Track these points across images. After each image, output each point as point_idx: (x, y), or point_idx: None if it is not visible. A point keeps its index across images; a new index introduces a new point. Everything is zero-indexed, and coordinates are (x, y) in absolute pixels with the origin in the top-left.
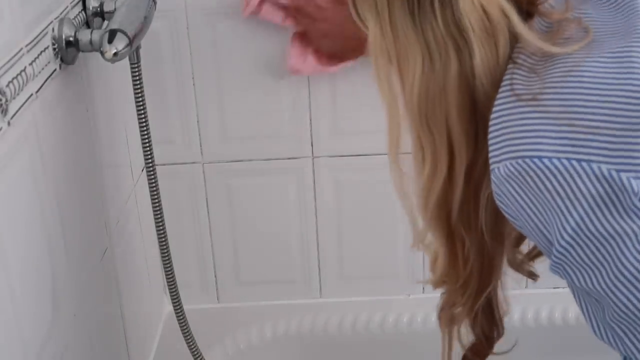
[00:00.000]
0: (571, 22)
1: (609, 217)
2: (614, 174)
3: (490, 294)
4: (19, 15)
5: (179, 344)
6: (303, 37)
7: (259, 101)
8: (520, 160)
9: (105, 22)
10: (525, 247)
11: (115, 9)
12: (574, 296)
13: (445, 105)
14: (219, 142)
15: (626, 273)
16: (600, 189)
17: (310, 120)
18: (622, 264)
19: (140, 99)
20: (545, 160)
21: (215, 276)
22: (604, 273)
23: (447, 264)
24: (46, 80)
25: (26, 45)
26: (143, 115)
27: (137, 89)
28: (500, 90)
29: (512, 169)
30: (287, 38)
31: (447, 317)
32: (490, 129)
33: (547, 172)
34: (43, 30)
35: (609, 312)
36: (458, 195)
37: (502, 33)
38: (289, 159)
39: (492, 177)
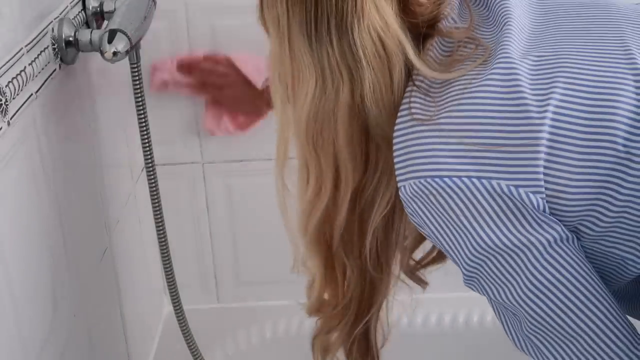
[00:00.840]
0: (471, 41)
1: (514, 230)
2: (513, 189)
3: (368, 323)
4: (19, 15)
5: (179, 344)
6: (216, 102)
7: None
8: (422, 180)
9: (105, 22)
10: (418, 254)
11: (115, 9)
12: (493, 309)
13: (334, 129)
14: (219, 142)
15: (537, 283)
16: (502, 205)
17: None
18: (532, 274)
19: (140, 99)
20: (446, 180)
21: (215, 276)
22: (515, 285)
23: (324, 289)
24: (46, 80)
25: (26, 45)
26: (143, 115)
27: (137, 89)
28: (400, 113)
29: (415, 188)
30: None
31: (322, 345)
32: (394, 150)
33: (448, 190)
34: (43, 30)
35: (525, 324)
36: (341, 220)
37: (397, 62)
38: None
39: (400, 195)
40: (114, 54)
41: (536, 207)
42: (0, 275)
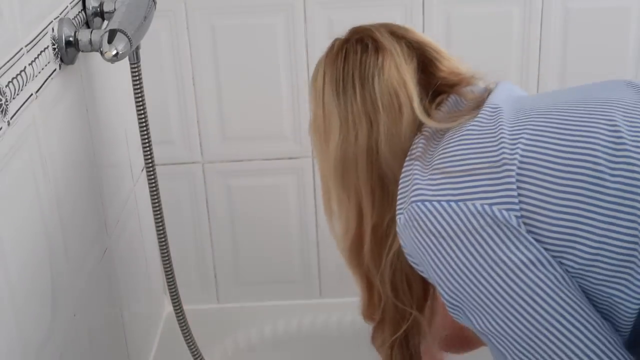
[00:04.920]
0: (480, 104)
1: (490, 250)
2: (487, 207)
3: (407, 333)
4: (19, 15)
5: (179, 344)
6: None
7: (259, 101)
8: (409, 207)
9: (105, 22)
10: None
11: (115, 9)
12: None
13: (356, 171)
14: (219, 142)
15: (515, 305)
16: (477, 224)
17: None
18: (510, 295)
19: (140, 99)
20: (427, 204)
21: (215, 276)
22: (495, 309)
23: (366, 303)
24: (46, 80)
25: (26, 45)
26: (143, 115)
27: (137, 89)
28: (407, 158)
29: (406, 216)
30: (290, 41)
31: (378, 342)
32: (398, 190)
33: (428, 214)
34: (43, 30)
35: (511, 354)
36: (367, 248)
37: (407, 113)
38: (289, 159)
39: (397, 229)
40: (114, 54)
41: (511, 223)
42: (0, 275)
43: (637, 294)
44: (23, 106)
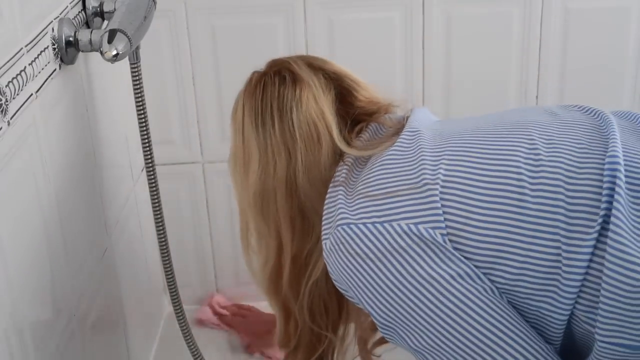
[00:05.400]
0: (400, 130)
1: (418, 267)
2: (413, 227)
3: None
4: (19, 15)
5: (179, 344)
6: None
7: None
8: (335, 231)
9: (105, 22)
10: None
11: (115, 9)
12: None
13: (275, 202)
14: (219, 142)
15: (447, 318)
16: (403, 244)
17: None
18: (442, 309)
19: (140, 99)
20: (352, 226)
21: (215, 276)
22: (427, 324)
23: (281, 329)
24: (46, 80)
25: (26, 45)
26: (143, 115)
27: (137, 89)
28: (329, 187)
29: (332, 240)
30: (290, 41)
31: None
32: (323, 216)
33: (354, 237)
34: (43, 30)
35: None
36: (286, 278)
37: (325, 143)
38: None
39: (323, 254)
40: (114, 54)
41: (437, 241)
42: (0, 275)
43: (564, 305)
44: (23, 106)
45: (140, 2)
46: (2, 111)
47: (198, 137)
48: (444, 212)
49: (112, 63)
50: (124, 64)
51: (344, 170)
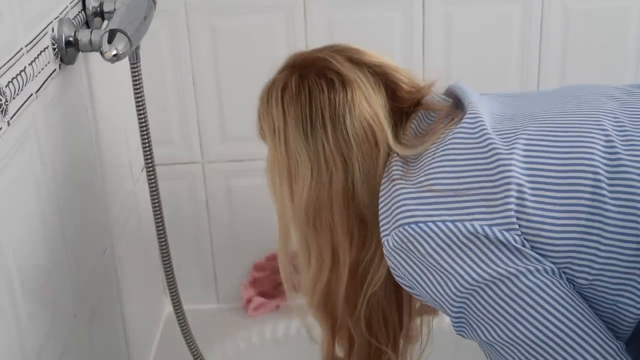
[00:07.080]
0: (451, 114)
1: (493, 264)
2: (487, 229)
3: None
4: (19, 15)
5: (179, 344)
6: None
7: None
8: (400, 229)
9: (105, 22)
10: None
11: (115, 9)
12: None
13: (330, 214)
14: (219, 142)
15: (522, 312)
16: (479, 243)
17: None
18: (517, 303)
19: (140, 99)
20: (421, 225)
21: (215, 276)
22: (502, 318)
23: (329, 347)
24: (46, 80)
25: (26, 45)
26: (143, 115)
27: (137, 89)
28: (382, 185)
29: (396, 238)
30: (290, 41)
31: None
32: (379, 213)
33: (424, 235)
34: (43, 30)
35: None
36: (342, 292)
37: (382, 147)
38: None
39: (384, 252)
40: (114, 54)
41: (512, 243)
42: (0, 276)
43: None
44: (23, 106)
45: (140, 2)
46: (2, 111)
47: (198, 137)
48: (517, 212)
49: (112, 63)
50: (124, 64)
51: (398, 164)
